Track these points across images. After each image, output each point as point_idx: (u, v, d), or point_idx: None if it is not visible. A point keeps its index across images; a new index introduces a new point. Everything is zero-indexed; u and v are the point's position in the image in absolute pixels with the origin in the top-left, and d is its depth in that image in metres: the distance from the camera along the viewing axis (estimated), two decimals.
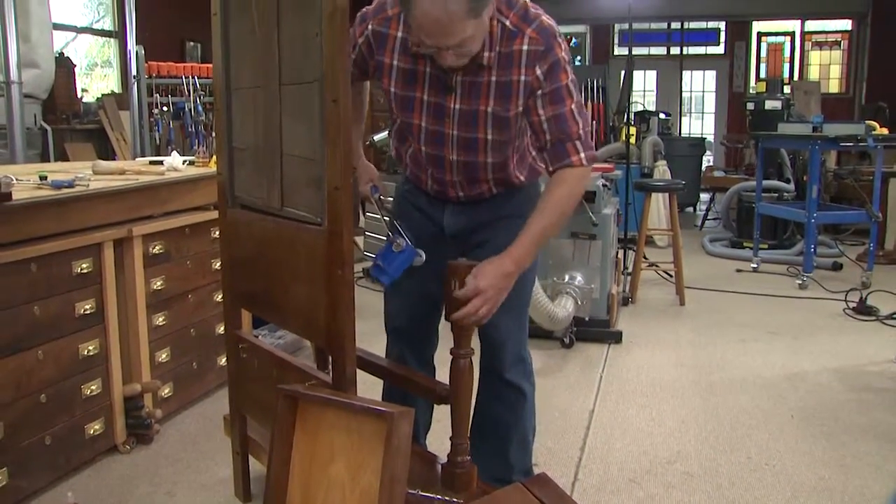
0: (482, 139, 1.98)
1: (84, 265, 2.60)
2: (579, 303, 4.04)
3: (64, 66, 6.83)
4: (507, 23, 1.86)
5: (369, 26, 1.97)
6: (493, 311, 1.84)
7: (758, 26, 12.96)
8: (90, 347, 2.64)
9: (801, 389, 3.54)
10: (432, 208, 2.20)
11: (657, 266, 5.57)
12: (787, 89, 9.33)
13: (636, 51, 12.65)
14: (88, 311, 2.62)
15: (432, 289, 2.09)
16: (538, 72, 1.86)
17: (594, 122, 9.28)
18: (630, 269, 5.30)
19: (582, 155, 1.90)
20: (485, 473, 2.11)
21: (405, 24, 1.89)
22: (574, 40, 13.42)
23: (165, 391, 3.04)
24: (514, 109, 1.92)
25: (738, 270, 6.19)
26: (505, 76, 1.89)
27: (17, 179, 2.62)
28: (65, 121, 6.74)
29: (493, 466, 2.22)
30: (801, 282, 5.56)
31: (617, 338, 4.27)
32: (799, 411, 3.28)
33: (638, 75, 12.95)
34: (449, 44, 1.74)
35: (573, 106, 1.90)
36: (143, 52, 6.03)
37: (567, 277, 4.13)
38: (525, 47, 1.86)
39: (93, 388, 2.66)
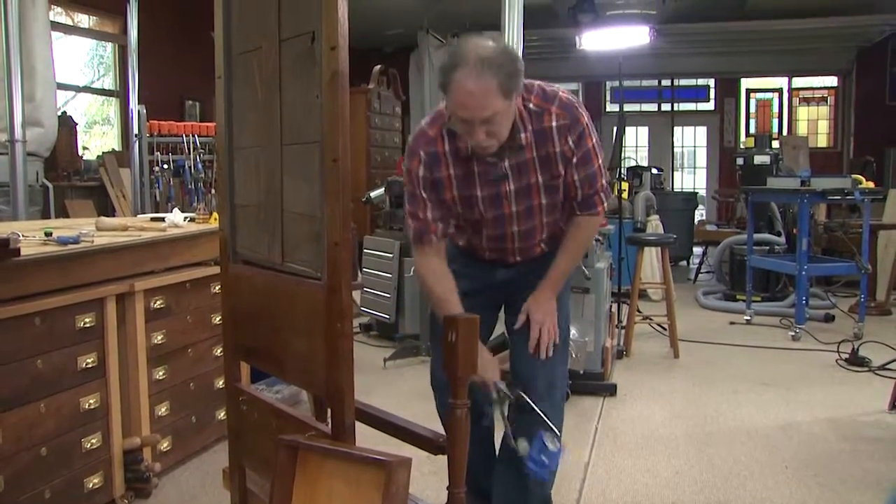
0: (537, 204, 2.27)
1: (87, 320, 2.65)
2: (574, 356, 4.08)
3: (66, 124, 6.96)
4: (531, 105, 2.14)
5: (421, 154, 2.21)
6: (554, 329, 2.28)
7: (746, 83, 13.21)
8: (91, 401, 2.67)
9: (795, 440, 3.57)
10: (486, 271, 2.45)
11: (651, 319, 5.62)
12: (775, 144, 9.49)
13: (628, 107, 12.89)
14: (90, 365, 2.67)
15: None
16: (570, 142, 2.17)
17: None
18: (624, 323, 5.35)
19: (604, 204, 2.30)
20: (504, 499, 2.40)
21: (448, 136, 2.18)
22: None
23: (164, 445, 3.06)
24: (558, 175, 2.22)
25: (732, 323, 6.24)
26: (543, 151, 2.17)
27: (23, 235, 2.69)
28: (66, 178, 6.84)
29: (513, 493, 2.39)
30: (793, 333, 5.61)
31: (612, 390, 4.30)
32: (793, 461, 3.30)
33: (630, 131, 13.17)
34: (480, 116, 1.98)
35: (599, 163, 2.24)
36: (144, 111, 6.16)
37: None
38: (554, 123, 2.15)
39: (93, 441, 2.69)
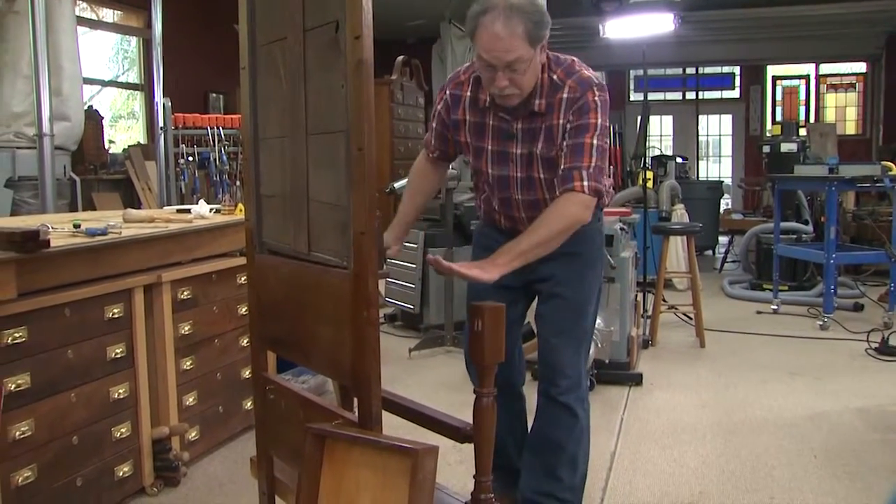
0: (537, 178, 2.27)
1: (115, 310, 2.68)
2: (599, 345, 4.06)
3: (92, 118, 7.03)
4: (555, 77, 2.18)
5: (447, 92, 2.34)
6: (455, 274, 2.02)
7: (772, 70, 13.06)
8: (120, 391, 2.70)
9: (824, 429, 3.54)
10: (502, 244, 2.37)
11: (676, 308, 5.58)
12: (802, 132, 9.38)
13: (652, 96, 12.79)
14: (119, 355, 2.70)
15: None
16: (570, 114, 2.15)
17: (611, 166, 9.36)
18: (649, 312, 5.32)
19: (585, 183, 2.12)
20: (532, 487, 2.39)
21: (474, 83, 2.27)
22: None
23: (192, 434, 3.09)
24: (556, 150, 2.19)
25: (758, 312, 6.19)
26: (550, 121, 2.19)
27: (52, 227, 2.72)
28: (92, 171, 6.92)
29: (541, 481, 2.39)
30: (821, 323, 5.55)
31: (637, 380, 4.28)
32: (822, 451, 3.27)
33: (654, 120, 13.07)
34: (505, 59, 2.04)
35: (592, 140, 2.14)
36: (170, 104, 6.20)
37: None
38: (565, 96, 2.16)
39: (122, 430, 2.72)
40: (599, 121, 2.15)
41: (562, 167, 2.15)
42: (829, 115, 12.90)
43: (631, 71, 13.38)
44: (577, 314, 2.38)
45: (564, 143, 2.16)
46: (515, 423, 2.59)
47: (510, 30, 2.01)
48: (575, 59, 2.25)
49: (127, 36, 8.52)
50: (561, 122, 2.17)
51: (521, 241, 2.10)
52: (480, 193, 2.50)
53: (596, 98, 2.15)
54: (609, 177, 2.45)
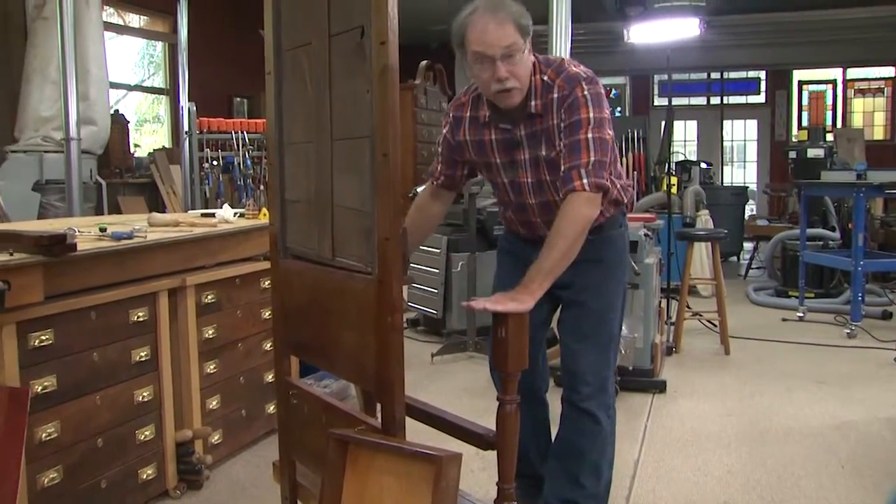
0: (546, 181, 2.27)
1: (140, 314, 2.70)
2: (623, 352, 4.03)
3: (118, 122, 7.10)
4: (546, 78, 2.20)
5: (450, 115, 2.39)
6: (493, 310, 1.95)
7: (799, 75, 12.95)
8: (145, 394, 2.72)
9: (852, 439, 3.49)
10: (525, 251, 2.40)
11: (701, 315, 5.54)
12: (829, 137, 9.29)
13: (676, 101, 12.71)
14: (144, 359, 2.71)
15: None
16: (562, 112, 2.16)
17: (635, 172, 9.31)
18: (673, 319, 5.28)
19: (585, 181, 2.09)
20: (556, 494, 2.39)
21: (473, 102, 2.33)
22: (614, 91, 13.52)
23: (215, 438, 3.10)
24: (555, 150, 2.19)
25: (784, 320, 6.12)
26: (547, 122, 2.20)
27: (79, 231, 2.74)
28: (118, 175, 6.98)
29: (564, 487, 2.38)
30: (849, 331, 5.48)
31: (661, 387, 4.24)
32: (850, 462, 3.23)
33: (678, 125, 12.99)
34: (501, 45, 2.07)
35: (587, 135, 2.11)
36: (195, 109, 6.24)
37: None
38: (555, 95, 2.18)
39: (146, 433, 2.73)
40: (592, 114, 2.13)
41: (562, 169, 2.14)
42: (857, 121, 12.77)
43: (655, 76, 13.31)
44: (598, 321, 2.37)
45: (562, 144, 2.15)
46: (539, 429, 2.57)
47: (500, 19, 2.07)
48: (564, 58, 2.30)
49: (152, 41, 8.60)
50: (555, 121, 2.17)
51: (543, 260, 2.06)
52: (500, 207, 2.53)
53: (585, 93, 2.14)
54: (621, 170, 2.42)
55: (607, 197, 2.22)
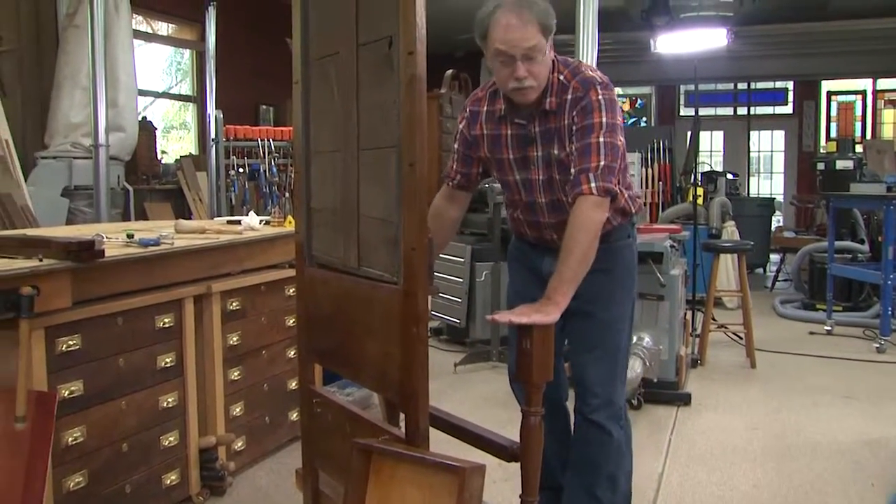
0: (556, 179, 2.26)
1: (166, 320, 2.72)
2: (647, 364, 4.01)
3: (146, 129, 7.16)
4: (562, 78, 2.21)
5: (467, 110, 2.39)
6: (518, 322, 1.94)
7: (827, 85, 12.80)
8: (170, 399, 2.74)
9: (882, 456, 3.43)
10: (535, 259, 2.44)
11: (726, 327, 5.48)
12: (858, 148, 9.18)
13: (702, 111, 12.62)
14: (169, 365, 2.73)
15: None
16: (574, 114, 2.17)
17: (660, 182, 9.26)
18: (699, 331, 5.23)
19: (592, 185, 2.10)
20: None
21: (490, 97, 2.33)
22: (640, 101, 13.46)
23: (239, 444, 3.11)
24: (565, 151, 2.21)
25: (811, 333, 6.04)
26: (560, 122, 2.21)
27: (107, 237, 2.77)
28: (145, 181, 7.04)
29: (581, 500, 2.37)
30: (878, 345, 5.40)
31: (686, 400, 4.20)
32: (879, 479, 3.17)
33: (704, 135, 12.89)
34: (523, 46, 2.08)
35: (599, 139, 2.12)
36: (221, 116, 6.29)
37: (635, 338, 4.10)
38: (570, 96, 2.19)
39: (171, 439, 2.75)
40: (605, 119, 2.14)
41: (573, 171, 2.14)
42: (887, 132, 12.59)
43: (681, 86, 13.23)
44: (606, 332, 2.36)
45: (573, 147, 2.16)
46: (560, 439, 2.55)
47: (524, 19, 2.06)
48: (581, 61, 2.35)
49: (180, 48, 8.69)
50: (567, 122, 2.19)
51: (562, 270, 2.06)
52: (509, 209, 2.50)
53: (599, 97, 2.15)
54: (630, 180, 2.43)
55: (615, 204, 2.23)
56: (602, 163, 2.11)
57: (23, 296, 2.14)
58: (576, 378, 2.40)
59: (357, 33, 1.91)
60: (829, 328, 6.05)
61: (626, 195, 2.32)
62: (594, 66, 2.97)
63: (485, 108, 2.34)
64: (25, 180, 5.40)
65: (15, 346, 2.15)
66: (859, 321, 6.22)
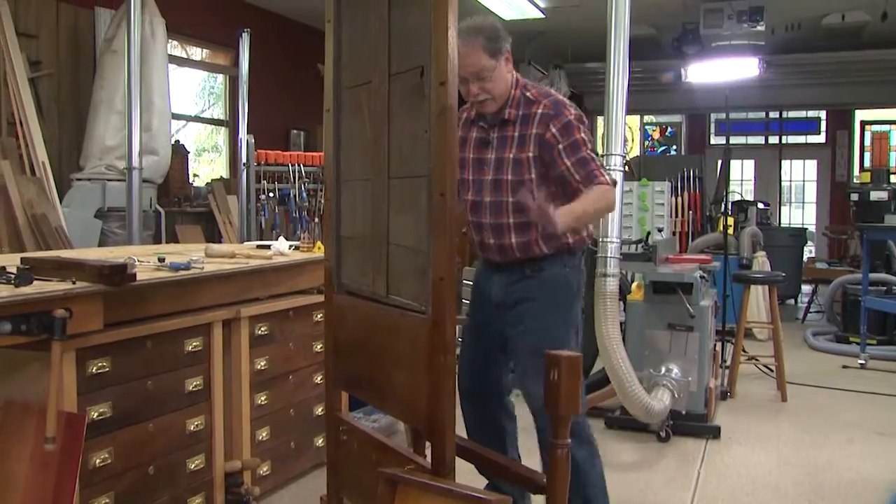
0: (505, 180, 2.51)
1: (195, 343, 2.73)
2: (676, 396, 3.96)
3: (179, 152, 7.25)
4: (529, 94, 2.54)
5: (462, 115, 2.61)
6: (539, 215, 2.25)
7: (861, 115, 12.67)
8: (196, 423, 2.74)
9: None
10: (484, 283, 2.69)
11: (757, 360, 5.40)
12: (893, 179, 9.05)
13: (733, 140, 12.55)
14: (196, 388, 2.74)
15: (487, 350, 2.66)
16: (552, 129, 2.46)
17: (690, 212, 9.19)
18: (728, 363, 5.16)
19: (605, 177, 2.47)
20: None
21: (471, 104, 2.59)
22: (670, 129, 13.41)
23: (264, 469, 3.11)
24: (525, 153, 2.49)
25: (845, 367, 5.93)
26: (523, 131, 2.51)
27: (138, 261, 2.80)
28: (176, 204, 7.12)
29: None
30: None
31: (715, 433, 4.14)
32: None
33: (735, 164, 12.79)
34: (471, 70, 2.40)
35: (588, 152, 2.47)
36: (253, 141, 6.36)
37: (664, 369, 4.06)
38: (540, 111, 2.50)
39: (197, 462, 2.75)
40: (584, 136, 2.48)
41: (579, 177, 2.44)
42: None
43: (712, 114, 13.17)
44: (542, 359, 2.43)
45: (567, 160, 2.45)
46: (496, 432, 2.70)
47: (470, 46, 2.37)
48: (548, 87, 2.63)
49: (213, 73, 8.81)
50: (534, 131, 2.48)
51: (574, 204, 2.37)
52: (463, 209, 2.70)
53: (572, 118, 2.48)
54: None
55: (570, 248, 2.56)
56: (598, 164, 2.48)
57: (56, 318, 2.16)
58: (528, 406, 2.56)
59: (389, 63, 1.93)
60: (862, 362, 5.93)
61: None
62: (626, 93, 3.48)
63: (464, 114, 2.64)
64: (60, 201, 5.48)
65: (47, 367, 2.17)
66: (894, 355, 6.10)
